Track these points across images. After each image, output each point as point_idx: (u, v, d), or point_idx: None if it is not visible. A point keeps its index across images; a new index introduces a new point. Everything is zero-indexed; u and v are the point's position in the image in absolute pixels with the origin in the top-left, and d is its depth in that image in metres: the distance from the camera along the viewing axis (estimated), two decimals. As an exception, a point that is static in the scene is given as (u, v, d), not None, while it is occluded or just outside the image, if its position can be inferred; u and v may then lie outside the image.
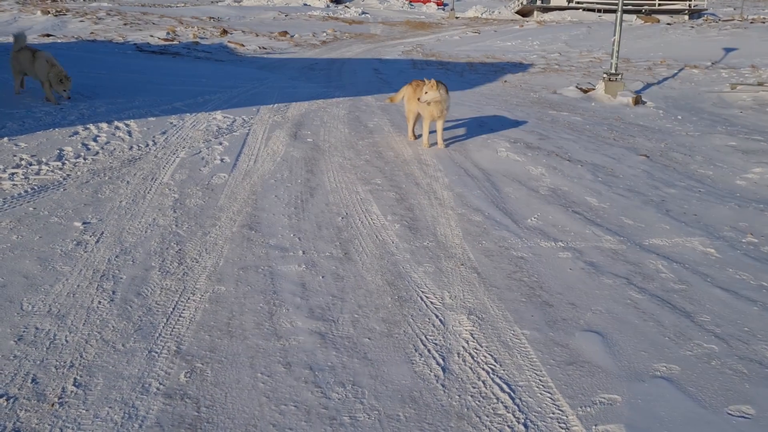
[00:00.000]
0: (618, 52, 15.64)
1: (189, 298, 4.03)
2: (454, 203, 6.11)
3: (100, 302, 3.91)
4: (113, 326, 3.66)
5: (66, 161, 6.75)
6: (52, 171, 6.42)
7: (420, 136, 8.67)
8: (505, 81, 18.38)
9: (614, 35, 15.73)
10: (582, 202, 6.40)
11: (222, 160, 7.21)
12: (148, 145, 7.59)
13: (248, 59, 21.22)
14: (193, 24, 32.72)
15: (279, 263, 4.62)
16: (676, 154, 9.01)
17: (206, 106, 10.31)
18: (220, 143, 7.91)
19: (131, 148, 7.43)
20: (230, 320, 3.78)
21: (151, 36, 25.72)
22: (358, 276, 4.47)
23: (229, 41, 25.65)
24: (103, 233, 4.99)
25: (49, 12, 32.33)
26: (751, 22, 35.80)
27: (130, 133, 8.02)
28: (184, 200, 5.86)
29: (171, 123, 8.78)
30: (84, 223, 5.17)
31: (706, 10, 56.04)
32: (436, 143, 8.34)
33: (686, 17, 51.93)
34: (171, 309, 3.88)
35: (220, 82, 13.50)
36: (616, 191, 6.84)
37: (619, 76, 15.53)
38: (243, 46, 24.86)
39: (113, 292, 4.05)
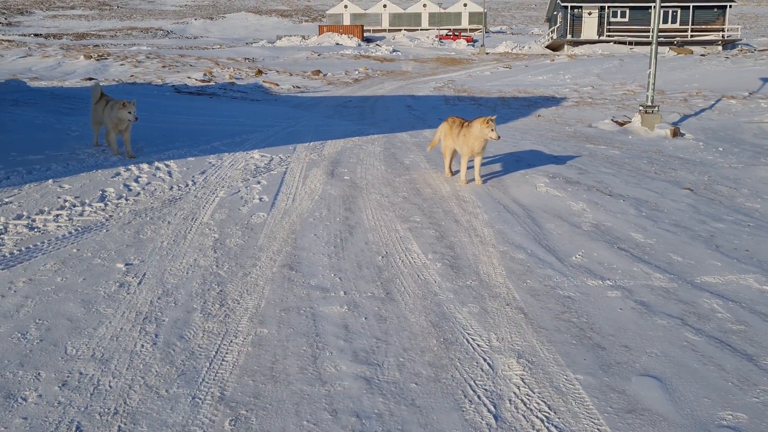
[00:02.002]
0: (654, 84, 15.48)
1: (231, 341, 3.97)
2: (495, 240, 6.00)
3: (143, 346, 3.88)
4: (156, 371, 3.61)
5: (108, 202, 6.83)
6: (95, 212, 6.50)
7: (457, 172, 8.61)
8: (539, 115, 18.31)
9: (649, 67, 15.59)
10: (627, 238, 6.23)
11: (261, 199, 7.24)
12: (188, 185, 7.66)
13: (283, 98, 21.56)
14: (229, 65, 33.50)
15: (320, 304, 4.55)
16: (720, 187, 8.78)
17: (244, 145, 10.43)
18: (259, 182, 7.95)
19: (171, 188, 7.51)
20: (274, 364, 3.71)
21: (189, 77, 26.36)
22: (402, 317, 4.37)
23: (264, 81, 26.15)
24: (145, 274, 5.00)
25: (91, 56, 33.45)
26: (789, 52, 35.28)
27: (170, 173, 8.12)
28: (225, 240, 5.86)
29: (210, 163, 8.88)
30: (126, 264, 5.19)
31: (740, 40, 55.50)
32: (473, 179, 8.26)
33: (720, 48, 51.49)
34: (214, 353, 3.83)
35: (256, 122, 13.70)
36: (661, 226, 6.66)
37: (656, 108, 15.34)
38: (277, 85, 25.31)
39: (156, 335, 4.02)
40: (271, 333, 4.08)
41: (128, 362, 3.69)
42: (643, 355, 3.85)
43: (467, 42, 67.76)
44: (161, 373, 3.59)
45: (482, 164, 8.35)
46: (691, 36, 53.24)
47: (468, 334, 4.13)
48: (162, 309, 4.40)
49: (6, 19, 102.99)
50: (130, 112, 8.48)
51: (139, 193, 7.23)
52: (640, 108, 15.53)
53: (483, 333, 4.13)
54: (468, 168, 8.24)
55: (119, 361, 3.70)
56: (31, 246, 5.49)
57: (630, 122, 15.63)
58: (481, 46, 52.29)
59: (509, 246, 5.85)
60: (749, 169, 10.11)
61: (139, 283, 4.84)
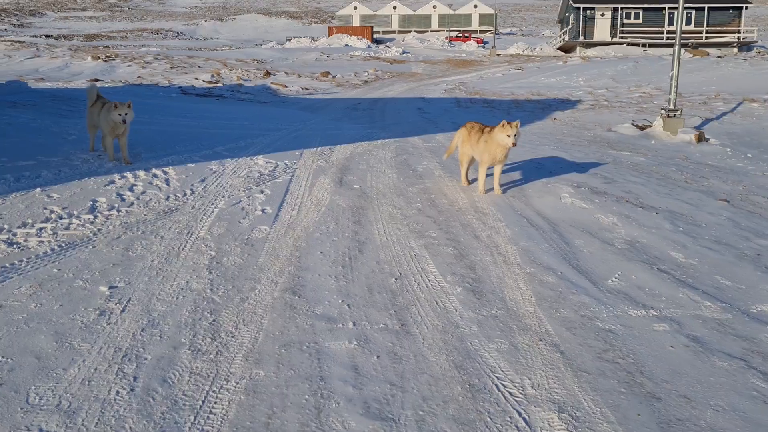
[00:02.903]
0: (676, 87, 14.84)
1: (222, 387, 3.41)
2: (520, 260, 5.41)
3: (118, 392, 3.32)
4: (131, 427, 3.05)
5: (98, 214, 6.30)
6: (83, 225, 5.97)
7: (473, 180, 8.04)
8: (555, 119, 17.69)
9: (672, 70, 14.95)
10: (666, 257, 5.63)
11: (263, 210, 6.68)
12: (185, 195, 7.12)
13: (291, 100, 21.04)
14: (237, 66, 33.06)
15: (326, 338, 3.98)
16: (757, 197, 8.15)
17: (248, 150, 9.89)
18: (262, 191, 7.40)
19: (168, 198, 6.97)
20: (270, 418, 3.14)
21: (196, 79, 25.91)
22: (419, 356, 3.80)
23: (272, 83, 25.66)
24: (130, 300, 4.45)
25: (99, 57, 33.09)
26: (809, 54, 34.49)
27: (167, 182, 7.58)
28: (221, 258, 5.31)
29: (211, 169, 8.34)
30: (111, 287, 4.64)
31: (756, 42, 54.58)
32: (491, 189, 7.68)
33: (735, 50, 50.62)
34: (200, 402, 3.26)
35: (262, 125, 13.16)
36: (702, 243, 6.05)
37: (678, 112, 14.70)
38: (286, 87, 24.80)
39: (134, 379, 3.46)
40: (269, 376, 3.51)
41: (98, 415, 3.13)
42: (708, 409, 3.25)
43: (477, 43, 67.13)
44: (136, 431, 3.03)
45: (501, 172, 7.76)
46: (706, 38, 52.39)
47: (497, 378, 3.54)
48: (145, 344, 3.85)
49: (18, 20, 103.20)
50: (119, 114, 7.92)
51: (132, 204, 6.69)
52: (662, 112, 14.88)
53: (515, 377, 3.55)
54: (486, 176, 7.66)
55: (88, 413, 3.14)
56: (7, 265, 4.95)
57: (651, 126, 14.99)
58: (492, 47, 51.65)
59: (536, 267, 5.26)
60: (785, 178, 9.47)
61: (123, 310, 4.29)
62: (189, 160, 8.81)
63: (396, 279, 4.98)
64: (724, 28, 53.13)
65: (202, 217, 6.37)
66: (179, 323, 4.13)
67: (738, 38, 52.43)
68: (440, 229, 6.23)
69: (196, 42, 78.29)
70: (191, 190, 7.32)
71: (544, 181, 8.22)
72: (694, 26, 52.91)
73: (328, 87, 26.85)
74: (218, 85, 24.72)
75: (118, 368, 3.55)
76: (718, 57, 36.74)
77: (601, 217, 6.73)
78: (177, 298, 4.52)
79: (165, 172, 7.96)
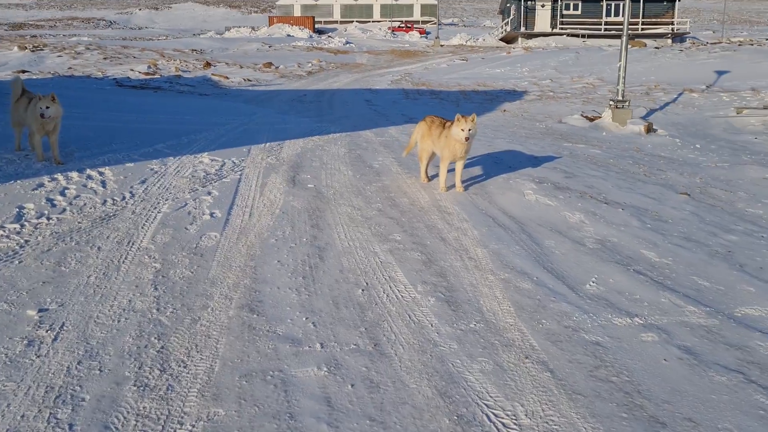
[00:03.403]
0: (624, 78, 14.88)
1: None
2: (492, 265, 5.09)
3: (51, 446, 2.82)
4: (67, 491, 2.57)
5: (25, 222, 5.67)
6: (8, 236, 5.34)
7: (433, 177, 7.70)
8: (505, 110, 17.57)
9: (620, 61, 14.98)
10: (640, 257, 5.41)
11: (212, 214, 6.17)
12: (124, 198, 6.53)
13: (234, 92, 20.27)
14: (175, 57, 31.84)
15: (292, 364, 3.55)
16: (715, 190, 8.10)
17: (191, 147, 9.28)
18: (209, 193, 6.87)
19: (105, 202, 6.37)
20: (234, 470, 2.70)
21: (132, 70, 24.75)
22: (398, 381, 3.41)
23: (213, 74, 24.75)
24: (63, 325, 3.91)
25: (26, 47, 31.29)
26: (739, 44, 35.65)
27: (104, 184, 6.96)
28: (168, 271, 4.79)
29: (152, 169, 7.74)
30: (40, 310, 4.09)
31: (689, 33, 56.26)
32: (453, 186, 7.36)
33: (669, 41, 52.00)
34: (151, 453, 2.80)
35: (205, 119, 12.49)
36: (672, 241, 5.88)
37: (626, 103, 14.74)
38: (227, 78, 23.96)
39: (70, 427, 2.95)
40: (230, 415, 3.07)
41: (27, 477, 2.63)
42: (717, 434, 2.99)
43: (420, 34, 67.03)
44: (74, 495, 2.55)
45: (458, 168, 7.44)
46: (642, 29, 53.61)
47: (487, 405, 3.20)
48: (82, 380, 3.34)
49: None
50: (40, 108, 7.19)
51: (64, 210, 6.06)
52: (611, 103, 14.92)
53: (506, 404, 3.21)
54: (447, 171, 7.34)
55: (14, 475, 2.64)
56: None
57: (600, 117, 15.01)
58: (436, 38, 51.57)
59: (510, 272, 4.95)
60: (737, 169, 9.50)
61: (55, 338, 3.75)
62: (127, 158, 8.17)
63: (363, 290, 4.58)
64: (659, 20, 54.50)
65: (144, 224, 5.81)
66: (122, 352, 3.63)
67: (672, 30, 53.88)
68: (404, 232, 5.86)
69: (131, 31, 75.53)
70: (131, 192, 6.72)
71: (504, 177, 7.96)
72: (631, 17, 54.13)
73: (271, 78, 26.10)
74: (156, 76, 23.67)
75: (50, 414, 3.03)
76: (656, 48, 37.60)
77: (567, 215, 6.49)
78: (119, 321, 4.00)
79: (101, 173, 7.32)
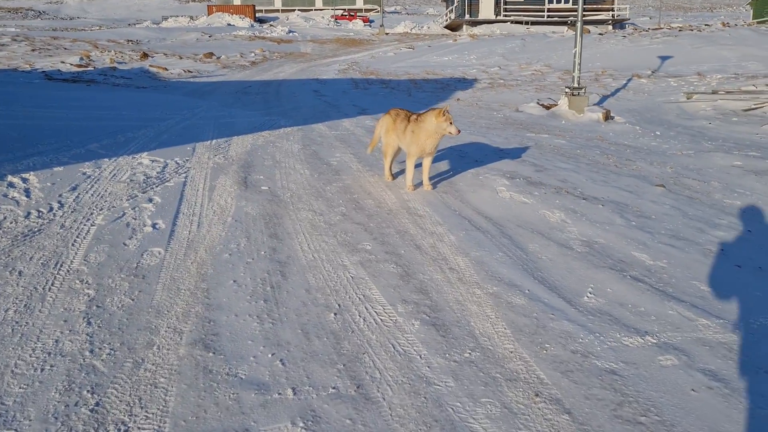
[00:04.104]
0: (580, 65, 14.59)
1: None
2: (477, 276, 4.55)
3: None
4: None
5: (-69, 243, 4.82)
6: None
7: (397, 174, 7.13)
8: (458, 99, 17.12)
9: (574, 47, 14.69)
10: (633, 260, 4.96)
11: (154, 225, 5.43)
12: (52, 209, 5.72)
13: (174, 84, 19.20)
14: (109, 48, 30.26)
15: (261, 420, 2.92)
16: (688, 180, 7.78)
17: (129, 146, 8.44)
18: (150, 200, 6.11)
19: (28, 215, 5.55)
20: None
21: (63, 62, 23.26)
22: (392, 437, 2.82)
23: (150, 65, 23.49)
24: (-28, 379, 3.17)
25: (-57, 39, 29.20)
26: (680, 30, 36.22)
27: (27, 192, 6.11)
28: (104, 300, 4.07)
29: (84, 173, 6.91)
30: (-57, 359, 3.33)
31: (628, 19, 57.20)
32: (420, 183, 6.81)
33: (610, 27, 52.71)
34: None
35: (144, 114, 11.56)
36: (661, 240, 5.46)
37: (582, 90, 14.47)
38: (166, 70, 22.78)
39: None
40: (186, 501, 2.42)
41: None
42: (783, 492, 2.51)
43: (363, 22, 66.16)
44: None
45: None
46: (583, 15, 54.16)
47: (503, 465, 2.64)
48: (-7, 459, 2.63)
49: None
50: None
51: (-21, 226, 5.23)
52: (566, 90, 14.63)
53: (526, 462, 2.66)
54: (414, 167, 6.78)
55: None
56: None
57: (556, 105, 14.70)
58: (381, 26, 50.90)
59: (498, 284, 4.42)
60: (704, 157, 9.25)
61: (-40, 399, 3.01)
62: (56, 162, 7.29)
63: (335, 314, 3.97)
64: (599, 6, 55.14)
65: (75, 240, 5.04)
66: (46, 415, 2.92)
67: (612, 16, 54.61)
68: (374, 240, 5.26)
69: (62, 22, 72.11)
70: (59, 202, 5.91)
71: (473, 172, 7.44)
72: (572, 4, 54.52)
73: (213, 69, 24.99)
74: (89, 68, 22.29)
75: None
76: (600, 34, 37.87)
77: (546, 214, 6.02)
78: (42, 369, 3.28)
79: (24, 180, 6.46)
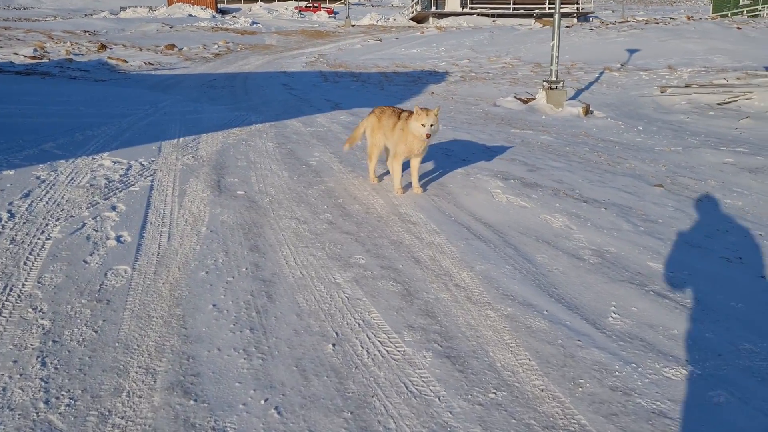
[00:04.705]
0: (557, 58, 14.26)
1: None
2: (487, 294, 4.08)
3: None
4: None
5: None
6: None
7: (383, 176, 6.63)
8: (432, 92, 16.67)
9: (552, 40, 14.34)
10: (651, 272, 4.55)
11: (119, 238, 4.83)
12: (1, 220, 5.06)
13: (134, 77, 18.32)
14: (65, 39, 28.99)
15: (258, 492, 2.39)
16: (684, 179, 7.45)
17: (88, 145, 7.75)
18: (113, 207, 5.49)
19: (-27, 227, 4.89)
20: None
21: (16, 54, 22.09)
22: None
23: (109, 57, 22.48)
24: None
25: None
26: (646, 23, 36.43)
27: (-28, 200, 5.44)
28: (62, 333, 3.48)
29: (38, 178, 6.24)
30: None
31: (593, 12, 57.50)
32: (409, 185, 6.33)
33: (575, 20, 52.86)
34: None
35: (104, 110, 10.82)
36: (674, 247, 5.07)
37: (561, 84, 14.16)
38: (126, 62, 21.81)
39: None
40: None
41: None
42: None
43: (328, 14, 65.17)
44: None
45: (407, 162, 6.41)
46: (549, 8, 54.18)
47: None
48: None
49: None
50: None
51: None
52: (544, 84, 14.30)
53: None
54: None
55: None
56: None
57: (534, 99, 14.36)
58: (347, 18, 50.13)
59: (512, 304, 3.95)
60: (693, 154, 8.96)
61: None
62: (5, 164, 6.60)
63: (334, 345, 3.45)
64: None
65: (27, 258, 4.41)
66: (-10, 494, 2.35)
67: (577, 9, 54.78)
68: (367, 252, 4.75)
69: (14, 12, 69.39)
70: (9, 212, 5.25)
71: (462, 172, 6.98)
72: (538, -3, 54.56)
73: (175, 61, 24.07)
74: (44, 60, 21.19)
75: None
76: (567, 27, 37.84)
77: (549, 219, 5.58)
78: (-14, 429, 2.70)
79: (-31, 186, 5.78)
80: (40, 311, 3.69)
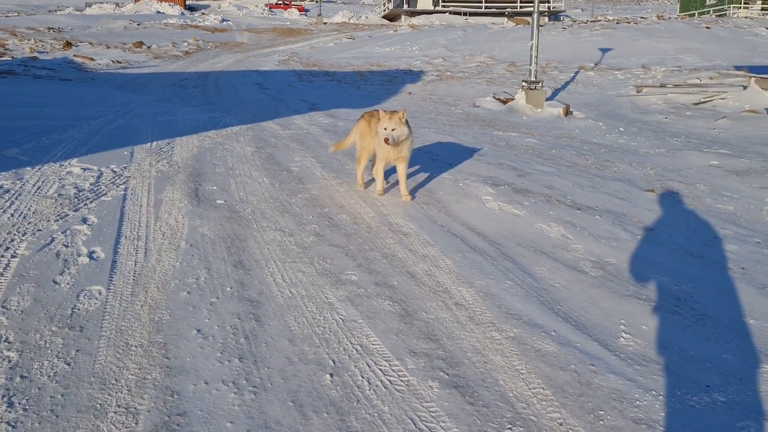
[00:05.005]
0: (536, 58, 14.13)
1: None
2: (490, 313, 3.85)
3: None
4: None
5: None
6: None
7: (370, 182, 6.38)
8: (410, 92, 16.45)
9: (531, 39, 14.22)
10: (655, 285, 4.38)
11: (91, 254, 4.49)
12: (-40, 236, 4.68)
13: (102, 76, 17.75)
14: (29, 36, 28.13)
15: None
16: (673, 183, 7.33)
17: (55, 151, 7.35)
18: (84, 219, 5.14)
19: (-70, 244, 4.51)
20: None
21: (-25, 51, 21.31)
22: None
23: (75, 55, 21.81)
24: None
25: None
26: (617, 22, 36.70)
27: (-70, 213, 5.04)
28: (31, 366, 3.15)
29: (1, 187, 5.84)
30: None
31: (563, 11, 57.86)
32: (393, 187, 6.08)
33: (546, 18, 53.12)
34: None
35: (71, 111, 10.36)
36: (675, 257, 4.92)
37: (540, 84, 14.03)
38: (93, 60, 21.18)
39: None
40: None
41: None
42: None
43: (299, 11, 64.58)
44: None
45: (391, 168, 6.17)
46: (521, 7, 54.37)
47: None
48: None
49: None
50: None
51: None
52: (523, 84, 14.16)
53: None
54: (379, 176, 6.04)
55: None
56: None
57: (513, 99, 14.21)
58: (318, 15, 49.67)
59: (517, 324, 3.72)
60: (678, 157, 8.88)
61: None
62: (-34, 172, 6.19)
63: (332, 375, 3.18)
64: (536, -2, 55.43)
65: (-10, 278, 4.05)
66: None
67: (548, 8, 55.04)
68: (359, 267, 4.48)
69: (-26, 7, 67.37)
70: (-30, 226, 4.87)
71: (450, 178, 6.76)
72: (509, -5, 54.71)
73: (144, 59, 23.47)
74: (5, 58, 20.46)
75: None
76: (540, 26, 37.95)
77: (544, 228, 5.38)
78: (-56, 488, 2.38)
79: (-74, 197, 5.37)
80: (5, 341, 3.36)
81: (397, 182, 6.16)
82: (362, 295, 4.04)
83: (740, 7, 48.01)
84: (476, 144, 8.74)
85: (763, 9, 47.79)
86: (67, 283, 4.04)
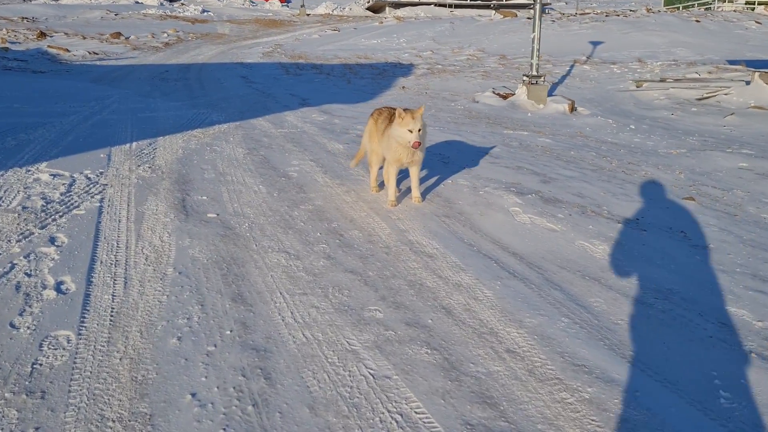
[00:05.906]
0: (539, 51, 13.44)
1: None
2: (552, 364, 3.13)
3: None
4: None
5: None
6: None
7: (382, 183, 5.65)
8: (404, 87, 15.69)
9: (533, 32, 13.52)
10: (737, 323, 3.70)
11: (59, 286, 3.70)
12: None
13: (78, 68, 16.76)
14: (1, 26, 26.87)
15: None
16: (708, 189, 6.69)
17: (22, 153, 6.51)
18: (52, 239, 4.34)
19: None
20: None
21: (-59, 41, 20.17)
22: None
23: (49, 46, 20.73)
24: None
25: None
26: (607, 15, 36.22)
27: None
28: (-28, 456, 2.38)
29: (-46, 198, 5.01)
30: None
31: (550, 4, 57.38)
32: (410, 197, 5.35)
33: (532, 11, 52.49)
34: None
35: (42, 107, 9.47)
36: (744, 283, 4.25)
37: (542, 79, 13.36)
38: (68, 51, 20.13)
39: None
40: None
41: None
42: None
43: (281, 2, 63.39)
44: None
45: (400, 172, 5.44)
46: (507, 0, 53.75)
47: None
48: None
49: None
50: None
51: None
52: (524, 78, 13.47)
53: None
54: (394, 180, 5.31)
55: None
56: None
57: (514, 95, 13.53)
58: (302, 6, 48.63)
59: (590, 380, 3.01)
60: (703, 158, 8.23)
61: None
62: None
63: (370, 462, 2.44)
64: (522, -10, 54.87)
65: (-70, 322, 3.25)
66: None
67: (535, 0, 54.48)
68: (383, 300, 3.74)
69: (-55, -4, 65.27)
70: None
71: (468, 185, 6.03)
72: (495, -13, 54.05)
73: (122, 51, 22.44)
74: (-26, 49, 19.38)
75: None
76: (528, 18, 37.32)
77: (587, 246, 4.68)
78: None
79: None
80: (-58, 417, 2.57)
81: (409, 188, 5.43)
82: (392, 339, 3.31)
83: (725, 1, 47.79)
84: (487, 144, 8.02)
85: (747, 3, 47.60)
86: (28, 327, 3.25)
